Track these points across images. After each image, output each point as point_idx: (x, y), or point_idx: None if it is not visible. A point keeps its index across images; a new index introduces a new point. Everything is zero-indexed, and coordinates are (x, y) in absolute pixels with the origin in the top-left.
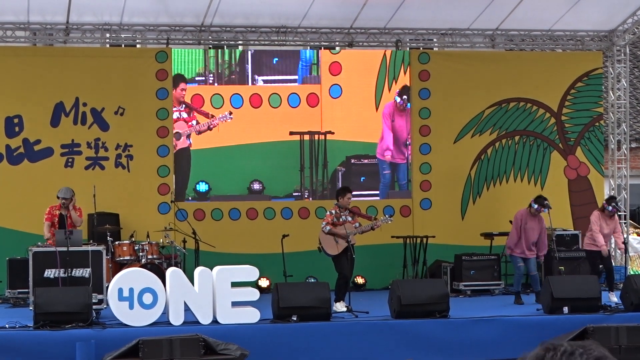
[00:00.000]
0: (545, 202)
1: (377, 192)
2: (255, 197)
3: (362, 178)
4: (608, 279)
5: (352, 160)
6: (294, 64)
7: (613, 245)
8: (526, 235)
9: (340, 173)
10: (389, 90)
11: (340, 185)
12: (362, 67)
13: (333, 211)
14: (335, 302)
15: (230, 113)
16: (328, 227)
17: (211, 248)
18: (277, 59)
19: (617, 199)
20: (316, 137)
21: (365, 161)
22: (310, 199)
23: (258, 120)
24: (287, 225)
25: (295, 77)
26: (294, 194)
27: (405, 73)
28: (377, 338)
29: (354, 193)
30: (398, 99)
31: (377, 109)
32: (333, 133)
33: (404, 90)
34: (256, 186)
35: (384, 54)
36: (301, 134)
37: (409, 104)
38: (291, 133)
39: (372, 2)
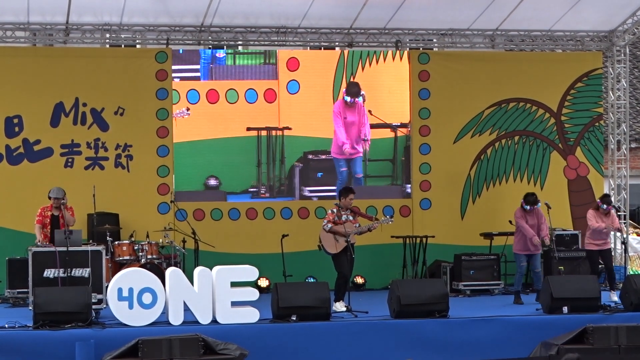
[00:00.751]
0: (534, 199)
1: (335, 187)
2: (211, 193)
3: (319, 174)
4: (609, 278)
5: (310, 156)
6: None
7: (613, 245)
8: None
9: (297, 169)
10: (345, 86)
11: (298, 181)
12: (320, 64)
13: (334, 210)
14: (335, 302)
15: (188, 109)
16: (329, 225)
17: (211, 248)
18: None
19: (610, 196)
20: (273, 132)
21: (323, 157)
22: (267, 194)
23: (215, 116)
24: (286, 225)
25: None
26: (250, 189)
27: (362, 70)
28: (377, 338)
29: (310, 189)
30: (348, 98)
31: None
32: (290, 129)
33: (351, 87)
34: (212, 182)
35: (342, 52)
36: (258, 129)
37: (360, 98)
38: (248, 129)
39: (372, 3)
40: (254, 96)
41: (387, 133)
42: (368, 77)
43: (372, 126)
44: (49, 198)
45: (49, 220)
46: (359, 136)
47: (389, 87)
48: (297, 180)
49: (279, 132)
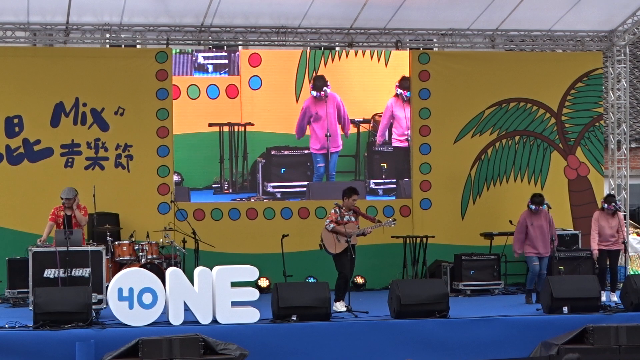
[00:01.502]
0: (541, 200)
1: (299, 183)
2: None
3: (282, 169)
4: (612, 279)
5: (272, 152)
6: None
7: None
8: (536, 234)
9: (260, 164)
10: (310, 82)
11: (260, 177)
12: (282, 60)
13: (337, 210)
14: (335, 302)
15: None
16: (332, 225)
17: (211, 248)
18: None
19: (614, 196)
20: (236, 128)
21: (286, 152)
22: (230, 190)
23: (176, 111)
24: (286, 225)
25: None
26: (213, 185)
27: (325, 66)
28: (377, 338)
29: (274, 185)
30: (314, 93)
31: (297, 100)
32: (253, 125)
33: (316, 81)
34: (175, 178)
35: (304, 50)
36: (220, 125)
37: (327, 89)
38: (210, 124)
39: (372, 3)
40: (216, 92)
41: (351, 129)
42: (330, 74)
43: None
44: (61, 199)
45: (62, 220)
46: (334, 130)
47: (351, 84)
48: (260, 176)
49: (242, 128)
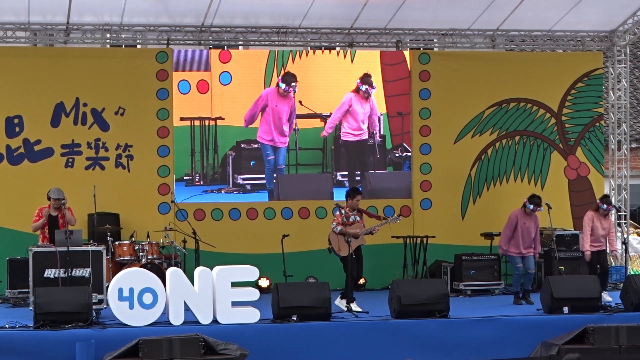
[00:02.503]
0: (540, 201)
1: (263, 175)
2: None
3: (252, 162)
4: (602, 278)
5: (242, 145)
6: None
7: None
8: (523, 234)
9: (230, 157)
10: (278, 77)
11: (231, 169)
12: (251, 57)
13: (343, 211)
14: (348, 303)
15: None
16: (339, 228)
17: (211, 248)
18: None
19: (610, 197)
20: (206, 122)
21: (255, 146)
22: (201, 182)
23: None
24: (287, 225)
25: None
26: (185, 177)
27: (293, 62)
28: (377, 338)
29: (245, 177)
30: (283, 85)
31: None
32: (223, 119)
33: (286, 76)
34: None
35: (272, 50)
36: (192, 119)
37: (292, 85)
38: (182, 119)
39: (373, 3)
40: (187, 87)
41: (317, 123)
42: (298, 69)
43: (303, 116)
44: (49, 199)
45: (46, 220)
46: (284, 124)
47: (317, 80)
48: (230, 169)
49: (212, 122)
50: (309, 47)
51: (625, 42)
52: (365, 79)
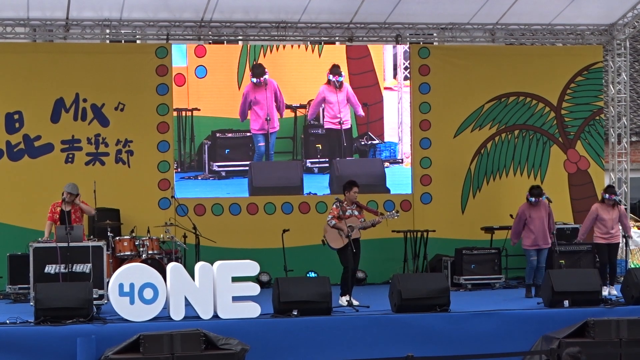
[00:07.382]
0: (539, 191)
1: (241, 162)
2: None
3: (226, 150)
4: (610, 273)
5: (217, 134)
6: None
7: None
8: (535, 226)
9: (206, 146)
10: (250, 70)
11: (207, 157)
12: (225, 51)
13: (339, 204)
14: (341, 296)
15: None
16: (333, 222)
17: (212, 243)
18: None
19: (614, 187)
20: (183, 113)
21: (229, 135)
22: (179, 169)
23: None
24: (287, 220)
25: None
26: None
27: (264, 56)
28: (378, 332)
29: (220, 164)
30: (254, 80)
31: (239, 87)
32: (199, 110)
33: (255, 69)
34: None
35: (244, 44)
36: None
37: (266, 76)
38: None
39: None
40: None
41: (288, 113)
42: (270, 62)
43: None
44: (67, 193)
45: (57, 216)
46: (268, 113)
47: (287, 73)
48: (206, 157)
49: (189, 113)
50: (308, 42)
51: (625, 36)
52: (334, 69)
